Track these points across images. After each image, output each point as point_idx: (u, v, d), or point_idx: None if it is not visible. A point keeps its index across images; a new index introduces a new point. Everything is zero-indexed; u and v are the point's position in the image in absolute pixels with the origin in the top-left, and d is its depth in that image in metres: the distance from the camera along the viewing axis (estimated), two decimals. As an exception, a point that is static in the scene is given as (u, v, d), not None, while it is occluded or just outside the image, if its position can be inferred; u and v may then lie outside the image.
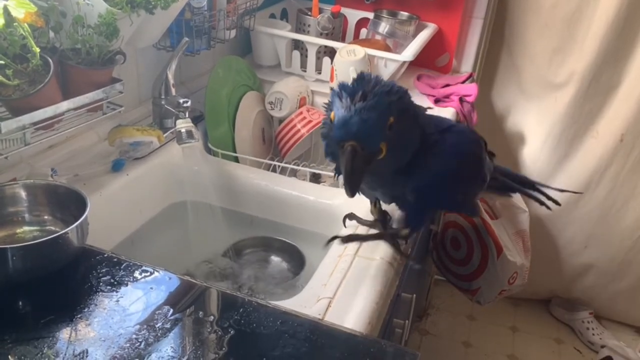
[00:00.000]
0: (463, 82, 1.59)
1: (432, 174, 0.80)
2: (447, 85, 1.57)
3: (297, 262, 1.06)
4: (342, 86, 0.71)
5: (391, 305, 0.97)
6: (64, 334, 0.64)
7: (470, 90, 1.53)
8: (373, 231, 0.93)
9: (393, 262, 0.87)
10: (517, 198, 1.68)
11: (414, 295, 1.14)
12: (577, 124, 1.80)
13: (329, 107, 0.75)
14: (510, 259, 1.56)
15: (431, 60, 1.69)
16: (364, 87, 0.70)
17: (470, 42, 1.70)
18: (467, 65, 1.73)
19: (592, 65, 1.69)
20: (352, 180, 0.70)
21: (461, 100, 1.49)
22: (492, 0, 1.69)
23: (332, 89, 0.78)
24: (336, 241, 0.86)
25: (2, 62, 0.74)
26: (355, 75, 0.73)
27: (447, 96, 1.50)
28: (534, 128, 1.89)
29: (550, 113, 1.82)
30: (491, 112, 1.93)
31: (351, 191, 0.72)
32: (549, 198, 1.16)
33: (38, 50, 0.77)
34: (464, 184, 0.89)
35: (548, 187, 1.17)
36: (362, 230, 0.96)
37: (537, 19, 1.71)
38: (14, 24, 0.75)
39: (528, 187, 1.16)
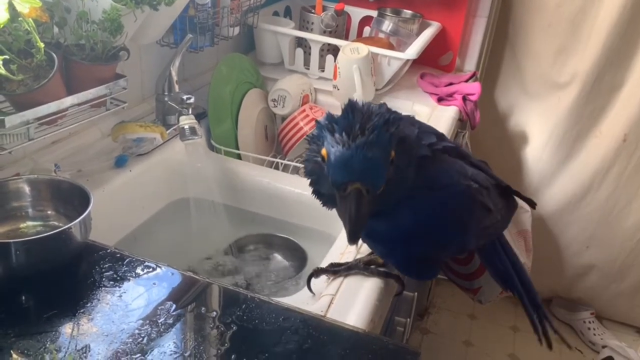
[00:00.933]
0: (466, 80, 1.59)
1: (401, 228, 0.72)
2: (451, 84, 1.56)
3: (299, 259, 1.06)
4: (332, 119, 0.62)
5: (392, 304, 0.97)
6: (67, 328, 0.64)
7: (474, 89, 1.53)
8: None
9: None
10: (520, 197, 1.68)
11: (415, 293, 1.14)
12: (580, 124, 1.80)
13: (315, 141, 0.66)
14: (512, 259, 1.56)
15: (434, 59, 1.68)
16: (358, 119, 0.61)
17: (474, 41, 1.69)
18: (470, 64, 1.73)
19: (595, 65, 1.68)
20: (357, 227, 0.61)
21: (464, 99, 1.49)
22: (496, 0, 1.68)
23: (317, 121, 0.65)
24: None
25: (6, 57, 0.74)
26: (345, 103, 0.64)
27: (451, 95, 1.50)
28: (536, 127, 1.89)
29: (553, 113, 1.82)
30: (494, 111, 1.93)
31: (355, 239, 0.64)
32: None
33: (42, 45, 0.77)
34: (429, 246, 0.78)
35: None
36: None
37: (541, 19, 1.71)
38: (19, 18, 0.76)
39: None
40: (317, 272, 0.83)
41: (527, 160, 1.92)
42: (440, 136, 0.81)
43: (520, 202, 1.72)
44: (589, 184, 1.85)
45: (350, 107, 0.62)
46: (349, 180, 0.59)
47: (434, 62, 1.69)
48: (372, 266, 0.83)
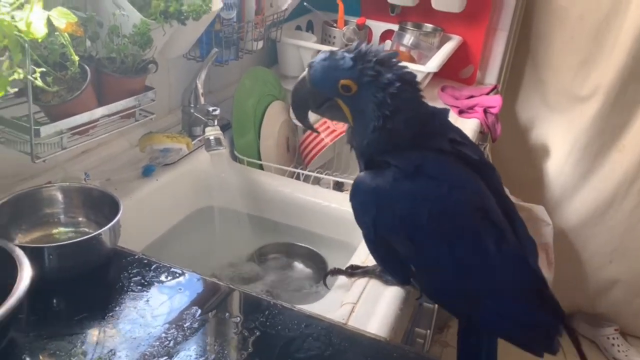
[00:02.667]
0: (487, 93, 1.60)
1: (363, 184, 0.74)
2: (472, 96, 1.57)
3: (320, 268, 1.07)
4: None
5: (413, 314, 0.98)
6: (97, 330, 0.66)
7: (495, 101, 1.53)
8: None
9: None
10: (541, 210, 1.68)
11: (436, 305, 1.14)
12: (603, 138, 1.79)
13: None
14: (533, 272, 1.55)
15: (455, 72, 1.69)
16: (358, 48, 0.73)
17: (495, 54, 1.70)
18: (491, 77, 1.74)
19: (619, 78, 1.67)
20: (295, 105, 0.81)
21: (485, 111, 1.50)
22: (518, 13, 1.69)
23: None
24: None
25: (43, 69, 0.77)
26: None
27: (471, 107, 1.51)
28: (558, 140, 1.88)
29: (575, 126, 1.81)
30: (515, 123, 1.93)
31: (296, 116, 0.82)
32: None
33: (77, 58, 0.81)
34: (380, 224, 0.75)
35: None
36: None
37: (563, 32, 1.71)
38: (55, 33, 0.79)
39: None
40: (334, 272, 0.86)
41: (548, 173, 1.91)
42: (467, 144, 0.78)
43: (541, 214, 1.71)
44: (611, 198, 1.83)
45: (369, 46, 0.74)
46: (308, 65, 0.76)
47: (455, 75, 1.70)
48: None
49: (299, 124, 0.89)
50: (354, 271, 0.85)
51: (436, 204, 0.72)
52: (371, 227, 0.75)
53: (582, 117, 1.78)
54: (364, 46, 0.73)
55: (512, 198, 1.60)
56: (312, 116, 1.40)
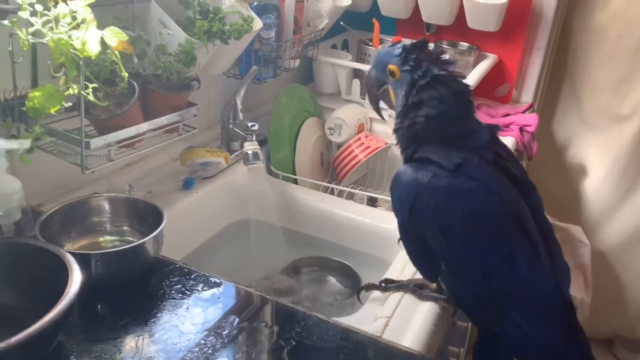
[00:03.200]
0: (523, 112, 1.59)
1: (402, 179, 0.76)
2: (507, 114, 1.57)
3: (353, 283, 1.08)
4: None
5: (447, 332, 0.97)
6: (139, 336, 0.69)
7: (531, 120, 1.52)
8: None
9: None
10: (578, 230, 1.65)
11: (470, 324, 1.13)
12: (644, 157, 1.75)
13: None
14: (570, 294, 1.52)
15: (491, 90, 1.69)
16: (420, 45, 0.78)
17: (531, 73, 1.69)
18: (527, 95, 1.73)
19: (659, 97, 1.65)
20: (367, 88, 0.89)
21: (521, 130, 1.49)
22: (554, 31, 1.68)
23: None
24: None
25: (94, 85, 0.82)
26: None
27: (507, 125, 1.50)
28: (596, 160, 1.85)
29: (614, 145, 1.78)
30: (552, 142, 1.90)
31: (369, 101, 0.90)
32: None
33: (126, 75, 0.85)
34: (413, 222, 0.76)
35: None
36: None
37: (601, 50, 1.69)
38: (107, 51, 0.83)
39: None
40: (368, 287, 0.87)
41: (586, 193, 1.88)
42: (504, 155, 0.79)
43: (578, 234, 1.68)
44: (653, 219, 1.79)
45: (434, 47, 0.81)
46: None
47: (491, 93, 1.70)
48: (425, 290, 0.85)
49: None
50: (387, 285, 0.86)
51: (471, 203, 0.73)
52: (407, 216, 0.76)
53: (622, 136, 1.75)
54: (422, 41, 0.79)
55: (548, 218, 1.58)
56: (346, 133, 1.42)
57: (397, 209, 0.78)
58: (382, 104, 0.89)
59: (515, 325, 0.74)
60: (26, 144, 0.76)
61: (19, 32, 0.74)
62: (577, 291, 1.56)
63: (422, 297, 0.83)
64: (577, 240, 1.66)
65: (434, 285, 0.85)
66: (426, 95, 0.75)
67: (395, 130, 0.80)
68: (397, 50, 0.78)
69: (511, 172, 0.77)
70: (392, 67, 0.78)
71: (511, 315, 0.74)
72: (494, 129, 0.80)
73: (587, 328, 1.84)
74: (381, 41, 1.59)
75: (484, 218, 0.73)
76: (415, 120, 0.76)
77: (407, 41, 0.84)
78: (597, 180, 1.85)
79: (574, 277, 1.61)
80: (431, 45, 0.80)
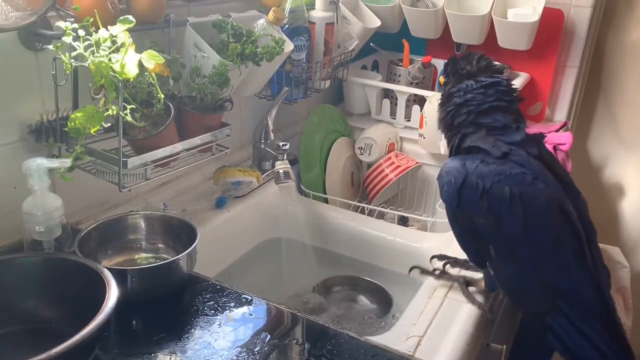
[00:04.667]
0: (557, 130, 1.57)
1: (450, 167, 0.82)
2: (540, 134, 1.55)
3: (384, 303, 1.07)
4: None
5: (480, 354, 0.95)
6: (173, 351, 0.70)
7: (565, 139, 1.50)
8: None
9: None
10: (617, 252, 1.60)
11: (504, 346, 1.10)
12: (685, 177, 1.70)
13: None
14: (609, 317, 1.47)
15: (523, 109, 1.65)
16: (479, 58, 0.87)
17: (564, 91, 1.67)
18: (560, 114, 1.70)
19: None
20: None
21: (555, 148, 1.47)
22: (588, 49, 1.66)
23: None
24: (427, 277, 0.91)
25: (132, 106, 0.85)
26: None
27: (540, 144, 1.48)
28: (634, 179, 1.80)
29: (653, 164, 1.73)
30: (587, 161, 1.86)
31: None
32: None
33: (162, 96, 0.88)
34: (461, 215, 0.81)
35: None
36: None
37: (637, 67, 1.66)
38: (145, 73, 0.87)
39: None
40: (423, 271, 0.94)
41: (623, 214, 1.83)
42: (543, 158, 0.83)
43: (617, 256, 1.63)
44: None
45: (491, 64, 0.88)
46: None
47: (523, 112, 1.67)
48: (472, 288, 0.87)
49: None
50: (441, 272, 0.92)
51: (518, 185, 0.77)
52: (455, 199, 0.80)
53: (661, 154, 1.70)
54: (469, 54, 0.88)
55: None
56: (376, 152, 1.42)
57: (446, 193, 0.81)
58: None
59: (567, 319, 0.76)
60: (67, 163, 0.79)
61: (62, 56, 0.78)
62: (619, 315, 1.51)
63: (469, 298, 0.86)
64: (615, 262, 1.60)
65: (482, 284, 0.87)
66: (454, 88, 0.85)
67: (438, 125, 0.90)
68: (445, 64, 0.91)
69: (556, 171, 0.81)
70: (441, 78, 0.92)
71: (563, 308, 0.76)
72: (539, 137, 0.86)
73: (629, 353, 1.76)
74: (411, 61, 1.60)
75: (531, 200, 0.76)
76: (448, 110, 0.86)
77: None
78: (635, 200, 1.79)
79: (614, 300, 1.55)
80: (477, 55, 0.88)
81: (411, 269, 0.96)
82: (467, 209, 0.79)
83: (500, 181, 0.77)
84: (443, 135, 0.90)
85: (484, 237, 0.79)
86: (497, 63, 0.90)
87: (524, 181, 0.77)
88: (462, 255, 0.91)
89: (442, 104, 0.89)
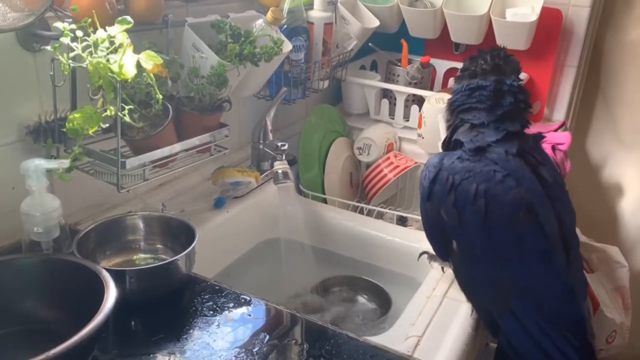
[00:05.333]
0: (556, 130, 1.57)
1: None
2: (539, 133, 1.55)
3: (383, 302, 1.07)
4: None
5: (479, 354, 0.95)
6: (172, 352, 0.70)
7: (563, 138, 1.50)
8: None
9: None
10: (615, 251, 1.59)
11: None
12: (684, 176, 1.70)
13: None
14: (608, 316, 1.47)
15: (521, 109, 1.67)
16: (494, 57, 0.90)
17: (563, 91, 1.67)
18: (559, 113, 1.70)
19: (698, 114, 1.60)
20: None
21: (554, 148, 1.47)
22: (586, 48, 1.66)
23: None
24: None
25: (130, 107, 0.84)
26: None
27: (538, 144, 1.48)
28: (633, 179, 1.80)
29: (652, 164, 1.73)
30: (586, 161, 1.86)
31: None
32: None
33: (161, 97, 0.87)
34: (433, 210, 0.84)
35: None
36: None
37: (635, 67, 1.66)
38: (143, 74, 0.86)
39: None
40: (431, 257, 0.95)
41: (622, 213, 1.83)
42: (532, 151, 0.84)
43: (616, 255, 1.63)
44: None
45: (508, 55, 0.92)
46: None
47: (521, 111, 1.68)
48: None
49: None
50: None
51: (485, 182, 0.78)
52: (427, 190, 0.83)
53: (660, 154, 1.71)
54: (492, 50, 0.91)
55: (584, 238, 1.54)
56: (375, 153, 1.42)
57: (421, 187, 0.86)
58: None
59: (518, 322, 0.75)
60: (65, 163, 0.79)
61: (60, 57, 0.78)
62: (616, 314, 1.51)
63: None
64: (614, 262, 1.60)
65: None
66: (457, 82, 0.90)
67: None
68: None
69: (539, 172, 0.81)
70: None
71: (516, 309, 0.75)
72: (537, 136, 0.88)
73: (628, 353, 1.78)
74: (410, 61, 1.60)
75: (496, 199, 0.77)
76: (451, 98, 0.90)
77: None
78: (634, 200, 1.80)
79: (612, 299, 1.55)
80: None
81: (421, 254, 0.97)
82: (436, 203, 0.82)
83: (469, 178, 0.79)
84: (446, 122, 0.94)
85: (448, 233, 0.82)
86: (513, 60, 0.91)
87: (493, 179, 0.78)
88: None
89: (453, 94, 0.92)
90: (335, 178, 1.39)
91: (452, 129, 0.89)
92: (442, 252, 0.87)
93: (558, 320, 0.76)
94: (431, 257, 0.95)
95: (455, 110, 0.89)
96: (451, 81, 0.99)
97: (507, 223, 0.77)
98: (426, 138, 1.42)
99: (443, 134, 1.34)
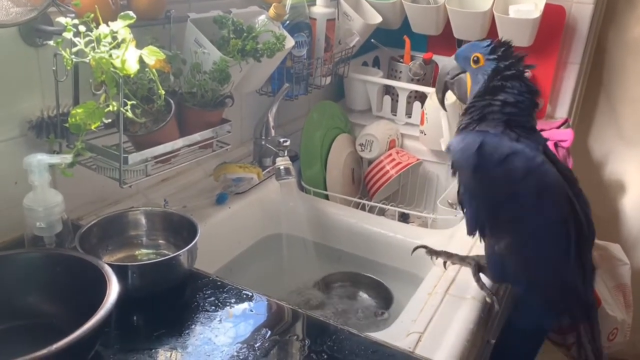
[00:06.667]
0: (558, 127, 1.57)
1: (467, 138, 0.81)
2: (542, 130, 1.54)
3: (385, 299, 1.07)
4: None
5: (480, 351, 0.96)
6: (174, 347, 0.70)
7: (566, 135, 1.50)
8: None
9: (484, 303, 0.87)
10: (617, 248, 1.60)
11: (504, 342, 1.11)
12: (686, 173, 1.70)
13: None
14: (610, 313, 1.47)
15: (523, 106, 1.67)
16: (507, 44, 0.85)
17: (566, 88, 1.67)
18: (562, 110, 1.70)
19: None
20: (438, 77, 0.92)
21: (556, 145, 1.46)
22: (589, 46, 1.66)
23: None
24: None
25: (133, 102, 0.84)
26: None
27: (541, 141, 1.48)
28: (635, 176, 1.80)
29: (655, 161, 1.73)
30: (588, 158, 1.86)
31: (436, 91, 0.94)
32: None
33: (163, 92, 0.87)
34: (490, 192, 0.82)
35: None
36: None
37: (638, 63, 1.66)
38: (145, 69, 0.86)
39: None
40: (431, 252, 0.94)
41: (624, 211, 1.83)
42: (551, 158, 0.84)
43: (617, 253, 1.63)
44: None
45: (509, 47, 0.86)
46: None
47: (523, 108, 1.68)
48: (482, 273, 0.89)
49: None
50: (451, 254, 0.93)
51: (528, 163, 0.78)
52: (472, 163, 0.79)
53: (662, 151, 1.70)
54: (509, 42, 0.85)
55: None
56: (377, 149, 1.42)
57: (461, 158, 0.81)
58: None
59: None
60: (68, 158, 0.79)
61: (62, 52, 0.78)
62: (618, 312, 1.51)
63: (478, 281, 0.87)
64: (616, 259, 1.60)
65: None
66: (508, 83, 0.81)
67: (467, 108, 0.85)
68: (486, 42, 0.85)
69: (560, 169, 0.83)
70: (477, 54, 0.84)
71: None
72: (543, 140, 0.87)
73: (629, 351, 1.78)
74: (412, 58, 1.60)
75: (545, 176, 0.79)
76: (492, 102, 0.82)
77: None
78: (636, 197, 1.79)
79: (614, 297, 1.56)
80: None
81: (415, 248, 0.96)
82: (483, 177, 0.80)
83: (512, 154, 0.78)
84: (462, 121, 0.87)
85: (492, 206, 0.81)
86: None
87: (535, 160, 0.79)
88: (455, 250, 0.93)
89: (483, 94, 0.83)
90: (337, 174, 1.39)
91: (484, 101, 0.83)
92: (472, 228, 0.86)
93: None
94: (431, 252, 0.95)
95: (496, 78, 0.83)
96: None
97: (554, 202, 0.80)
98: (428, 135, 1.42)
99: (446, 131, 1.35)
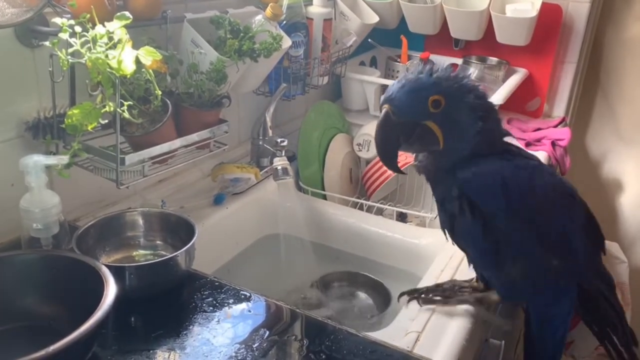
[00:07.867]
0: (555, 126, 1.57)
1: (481, 172, 0.73)
2: (539, 129, 1.55)
3: (383, 298, 1.07)
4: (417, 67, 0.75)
5: (479, 351, 0.95)
6: (172, 348, 0.70)
7: (563, 134, 1.50)
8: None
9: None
10: (615, 247, 1.60)
11: (503, 342, 1.10)
12: (684, 172, 1.70)
13: None
14: (608, 312, 1.47)
15: (521, 105, 1.67)
16: (432, 68, 0.73)
17: (563, 87, 1.67)
18: (559, 109, 1.70)
19: (698, 110, 1.60)
20: (383, 146, 0.74)
21: (553, 144, 1.47)
22: (586, 44, 1.66)
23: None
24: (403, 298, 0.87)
25: (129, 103, 0.84)
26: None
27: (539, 140, 1.48)
28: (633, 175, 1.80)
29: (652, 160, 1.73)
30: (586, 157, 1.87)
31: (383, 159, 0.76)
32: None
33: (160, 93, 0.87)
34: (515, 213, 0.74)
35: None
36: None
37: (636, 62, 1.66)
38: (142, 70, 0.86)
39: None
40: (412, 297, 0.86)
41: (622, 209, 1.83)
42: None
43: (615, 251, 1.63)
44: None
45: (444, 68, 0.74)
46: (382, 103, 0.74)
47: (521, 108, 1.68)
48: (469, 289, 0.87)
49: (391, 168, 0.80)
50: (428, 297, 0.85)
51: (536, 175, 0.76)
52: (502, 198, 0.73)
53: (660, 150, 1.71)
54: (434, 66, 0.74)
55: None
56: (374, 149, 1.42)
57: (486, 194, 0.74)
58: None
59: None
60: (65, 159, 0.79)
61: (59, 53, 0.78)
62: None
63: (490, 318, 0.86)
64: (614, 257, 1.61)
65: (494, 297, 0.85)
66: (487, 103, 0.75)
67: (466, 152, 0.74)
68: (429, 79, 0.71)
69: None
70: (435, 97, 0.70)
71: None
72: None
73: (627, 348, 1.76)
74: (409, 57, 1.60)
75: (557, 186, 0.79)
76: (490, 127, 0.74)
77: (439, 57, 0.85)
78: (634, 196, 1.80)
79: (612, 295, 1.56)
80: (438, 66, 0.77)
81: (401, 295, 0.88)
82: (514, 207, 0.73)
83: (519, 172, 0.75)
84: (434, 176, 0.79)
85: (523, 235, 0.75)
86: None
87: (544, 170, 0.79)
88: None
89: (469, 138, 0.74)
90: (335, 174, 1.39)
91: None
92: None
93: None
94: (413, 297, 0.86)
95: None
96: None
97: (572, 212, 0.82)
98: (426, 134, 1.41)
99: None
